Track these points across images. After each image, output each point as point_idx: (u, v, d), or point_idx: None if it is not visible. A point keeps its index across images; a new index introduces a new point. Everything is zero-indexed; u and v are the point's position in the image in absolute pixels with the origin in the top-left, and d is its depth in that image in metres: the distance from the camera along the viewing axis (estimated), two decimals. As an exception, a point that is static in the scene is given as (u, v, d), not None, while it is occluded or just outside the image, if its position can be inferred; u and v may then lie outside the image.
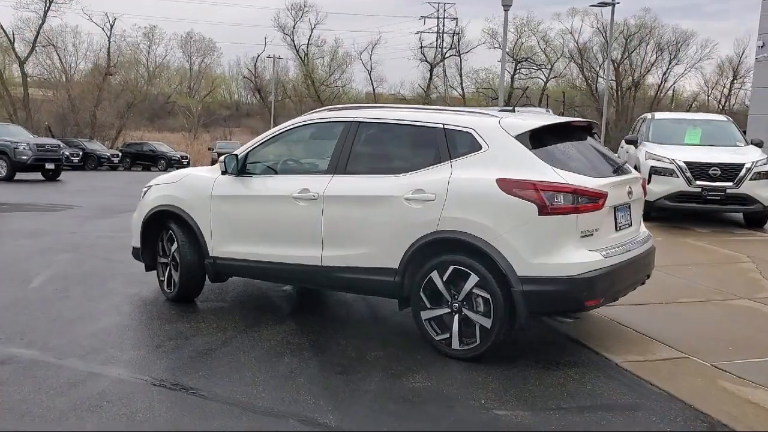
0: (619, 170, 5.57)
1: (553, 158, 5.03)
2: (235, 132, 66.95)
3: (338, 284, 5.70)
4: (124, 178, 28.46)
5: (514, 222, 4.82)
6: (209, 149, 48.25)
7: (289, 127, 6.13)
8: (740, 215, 12.37)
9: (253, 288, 7.24)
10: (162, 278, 6.79)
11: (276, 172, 6.19)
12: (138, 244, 6.91)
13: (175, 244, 6.51)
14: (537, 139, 5.10)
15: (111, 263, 8.45)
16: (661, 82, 63.98)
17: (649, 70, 63.20)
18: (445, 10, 61.88)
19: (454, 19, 62.69)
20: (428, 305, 5.17)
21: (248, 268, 6.10)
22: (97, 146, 41.86)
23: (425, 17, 62.20)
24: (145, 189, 7.03)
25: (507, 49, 60.10)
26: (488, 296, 4.90)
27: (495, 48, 61.04)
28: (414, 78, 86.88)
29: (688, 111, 49.01)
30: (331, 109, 6.21)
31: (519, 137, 5.05)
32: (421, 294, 5.18)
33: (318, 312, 6.50)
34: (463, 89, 60.87)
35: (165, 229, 6.67)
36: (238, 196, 6.10)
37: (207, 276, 6.42)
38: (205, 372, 4.79)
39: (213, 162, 44.50)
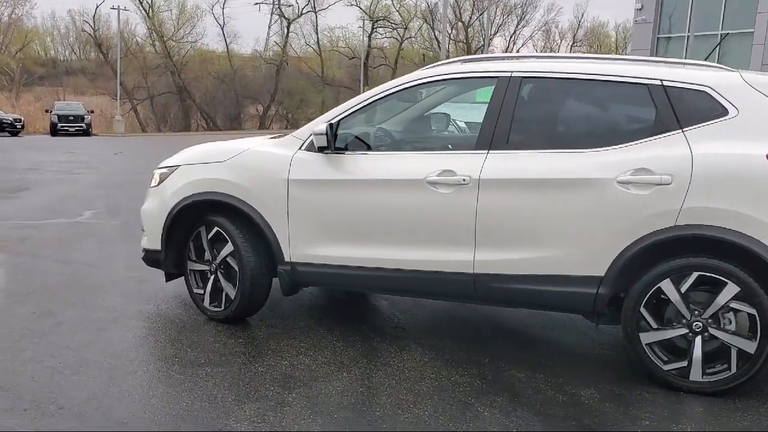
0: None
1: None
2: (60, 92, 60.35)
3: (498, 297, 4.26)
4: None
5: None
6: (46, 111, 43.03)
7: (401, 86, 4.51)
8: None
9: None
10: (200, 291, 5.00)
11: (389, 148, 4.61)
12: (158, 246, 5.04)
13: (229, 246, 4.76)
14: (791, 101, 3.92)
15: (76, 267, 6.39)
16: (509, 45, 65.51)
17: (496, 32, 64.45)
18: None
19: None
20: (653, 325, 3.89)
21: (354, 276, 4.47)
22: None
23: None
24: (163, 170, 5.13)
25: (363, 7, 59.00)
26: (753, 311, 3.70)
27: (351, 5, 59.52)
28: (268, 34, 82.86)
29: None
30: (465, 61, 4.66)
31: (779, 98, 3.84)
32: (643, 310, 3.89)
33: (423, 325, 5.00)
34: (319, 47, 58.79)
35: (206, 225, 4.88)
36: (335, 181, 4.45)
37: (281, 287, 4.74)
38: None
39: (53, 126, 39.90)
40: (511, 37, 64.56)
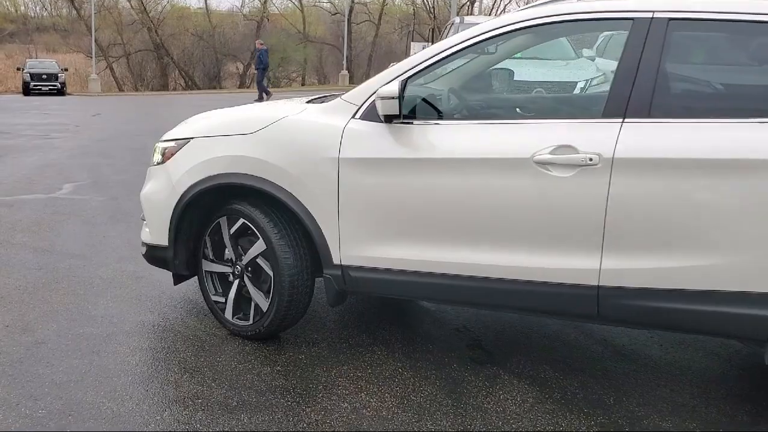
0: None
1: None
2: (31, 49, 57.64)
3: (631, 317, 3.17)
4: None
5: None
6: (18, 69, 41.00)
7: (488, 34, 3.38)
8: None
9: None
10: (219, 299, 3.92)
11: (469, 115, 3.51)
12: (164, 242, 3.92)
13: (260, 244, 3.65)
14: None
15: (57, 258, 5.25)
16: (495, 0, 63.76)
17: (485, -14, 62.65)
18: None
19: None
20: None
21: (426, 285, 3.39)
22: None
23: None
24: (170, 144, 3.98)
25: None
26: None
27: (334, -44, 57.35)
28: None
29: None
30: (579, -1, 3.54)
31: None
32: (840, 339, 2.87)
33: (504, 341, 3.95)
34: (300, 2, 56.57)
35: (228, 215, 3.78)
36: (405, 161, 3.34)
37: (327, 296, 3.65)
38: None
39: (25, 85, 37.98)
40: (498, -6, 62.72)
